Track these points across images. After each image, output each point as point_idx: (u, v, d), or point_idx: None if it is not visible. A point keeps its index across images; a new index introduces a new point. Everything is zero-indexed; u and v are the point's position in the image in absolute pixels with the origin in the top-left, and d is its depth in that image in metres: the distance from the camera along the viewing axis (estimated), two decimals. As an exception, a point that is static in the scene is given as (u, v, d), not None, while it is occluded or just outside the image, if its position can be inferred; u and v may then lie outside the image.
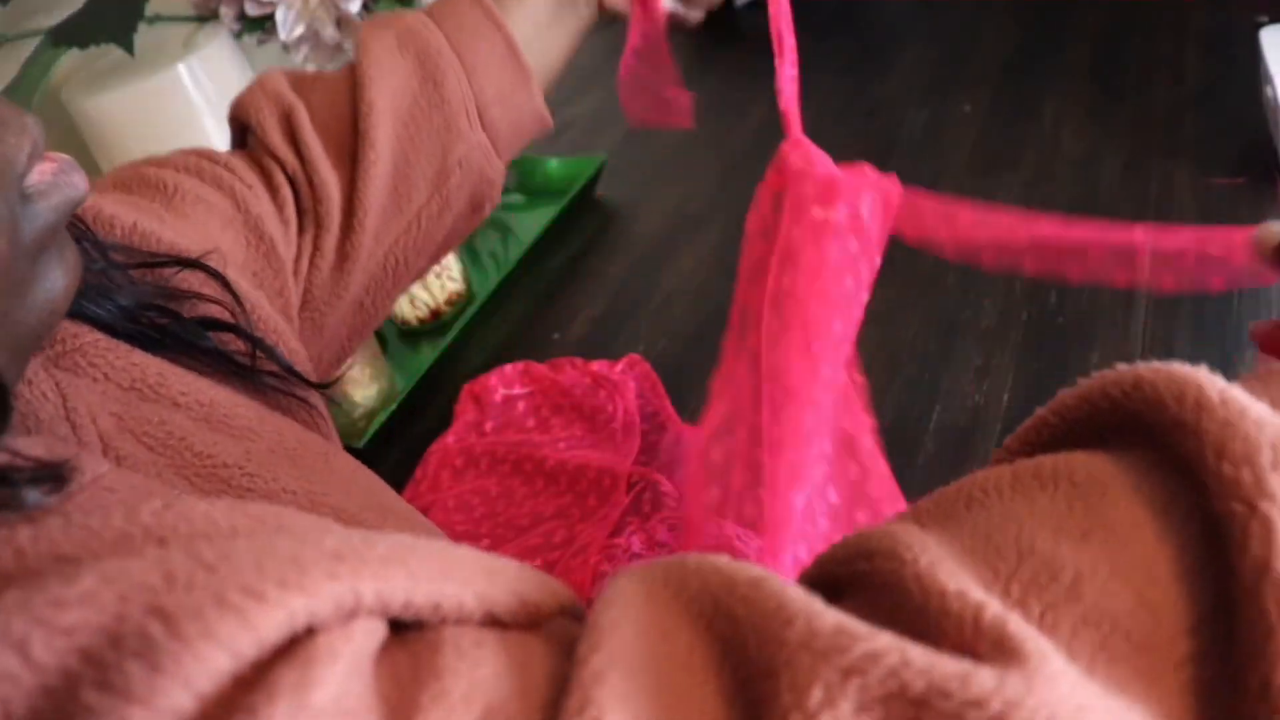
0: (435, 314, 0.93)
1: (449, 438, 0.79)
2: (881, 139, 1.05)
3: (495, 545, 0.69)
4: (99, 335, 0.42)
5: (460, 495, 0.74)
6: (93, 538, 0.24)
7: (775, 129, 1.08)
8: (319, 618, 0.22)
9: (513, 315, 0.95)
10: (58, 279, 0.33)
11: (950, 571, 0.24)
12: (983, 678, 0.21)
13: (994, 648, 0.22)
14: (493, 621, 0.26)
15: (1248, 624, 0.23)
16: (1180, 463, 0.26)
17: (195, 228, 0.50)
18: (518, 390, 0.81)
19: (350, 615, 0.23)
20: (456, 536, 0.70)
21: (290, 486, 0.42)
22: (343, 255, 0.56)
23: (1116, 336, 0.71)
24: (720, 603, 0.25)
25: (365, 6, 0.86)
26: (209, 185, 0.53)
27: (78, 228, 0.42)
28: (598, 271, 0.98)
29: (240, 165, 0.55)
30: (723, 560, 0.26)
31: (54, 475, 0.28)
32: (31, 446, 0.31)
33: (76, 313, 0.42)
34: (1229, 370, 0.68)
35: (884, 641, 0.22)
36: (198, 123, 0.81)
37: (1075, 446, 0.29)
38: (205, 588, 0.21)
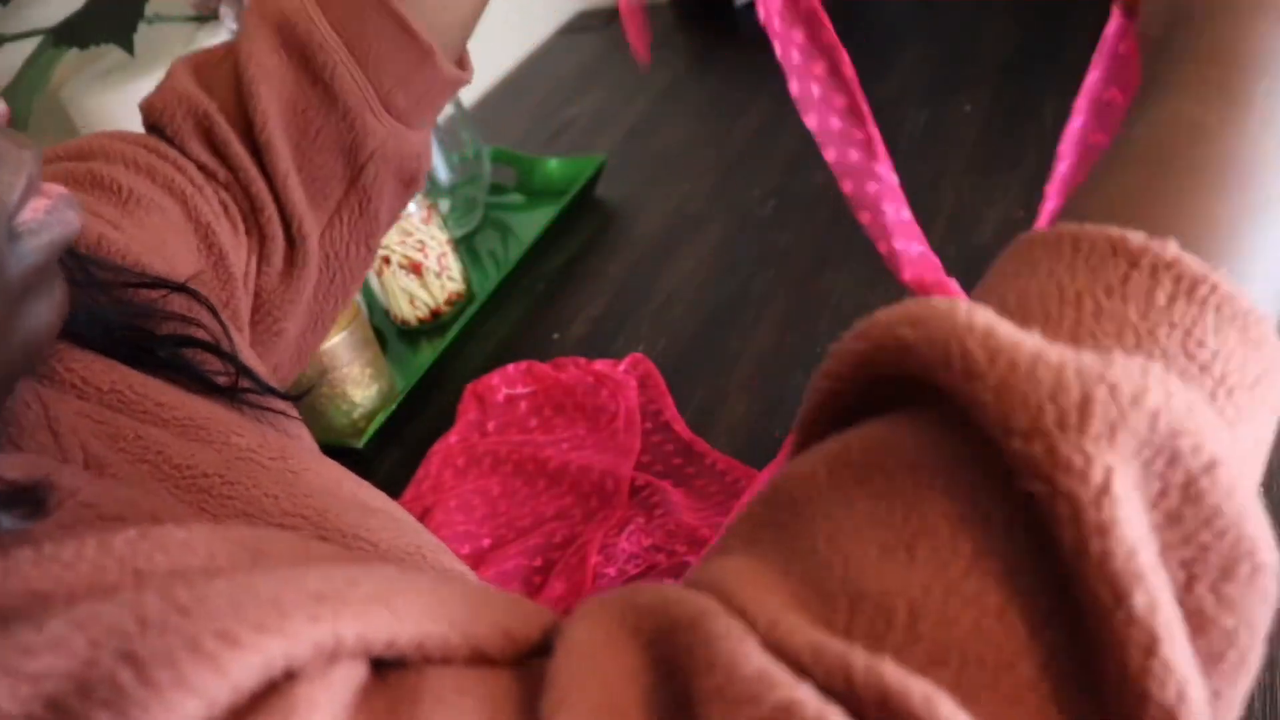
0: (435, 314, 0.93)
1: (451, 437, 0.79)
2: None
3: (496, 545, 0.70)
4: (71, 345, 0.42)
5: (462, 495, 0.74)
6: (66, 570, 0.23)
7: (775, 129, 1.08)
8: (298, 661, 0.21)
9: (513, 315, 0.95)
10: (41, 316, 0.32)
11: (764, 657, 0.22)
12: None
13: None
14: (479, 657, 0.24)
15: (1086, 611, 0.21)
16: (979, 429, 0.23)
17: (152, 236, 0.49)
18: (520, 390, 0.81)
19: (331, 658, 0.21)
20: (458, 536, 0.70)
21: (271, 491, 0.42)
22: (289, 261, 0.55)
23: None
24: (668, 645, 0.23)
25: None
26: (160, 188, 0.51)
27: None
28: (598, 271, 0.98)
29: (188, 163, 0.53)
30: (671, 594, 0.24)
31: (30, 499, 0.28)
32: (8, 468, 0.30)
33: None
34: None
35: (803, 693, 0.20)
36: (198, 123, 0.81)
37: (873, 404, 0.26)
38: (178, 631, 0.20)
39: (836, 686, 0.20)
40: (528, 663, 0.25)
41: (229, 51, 0.55)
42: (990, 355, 0.22)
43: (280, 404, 0.49)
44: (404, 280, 0.91)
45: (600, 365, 0.80)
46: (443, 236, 0.92)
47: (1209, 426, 0.22)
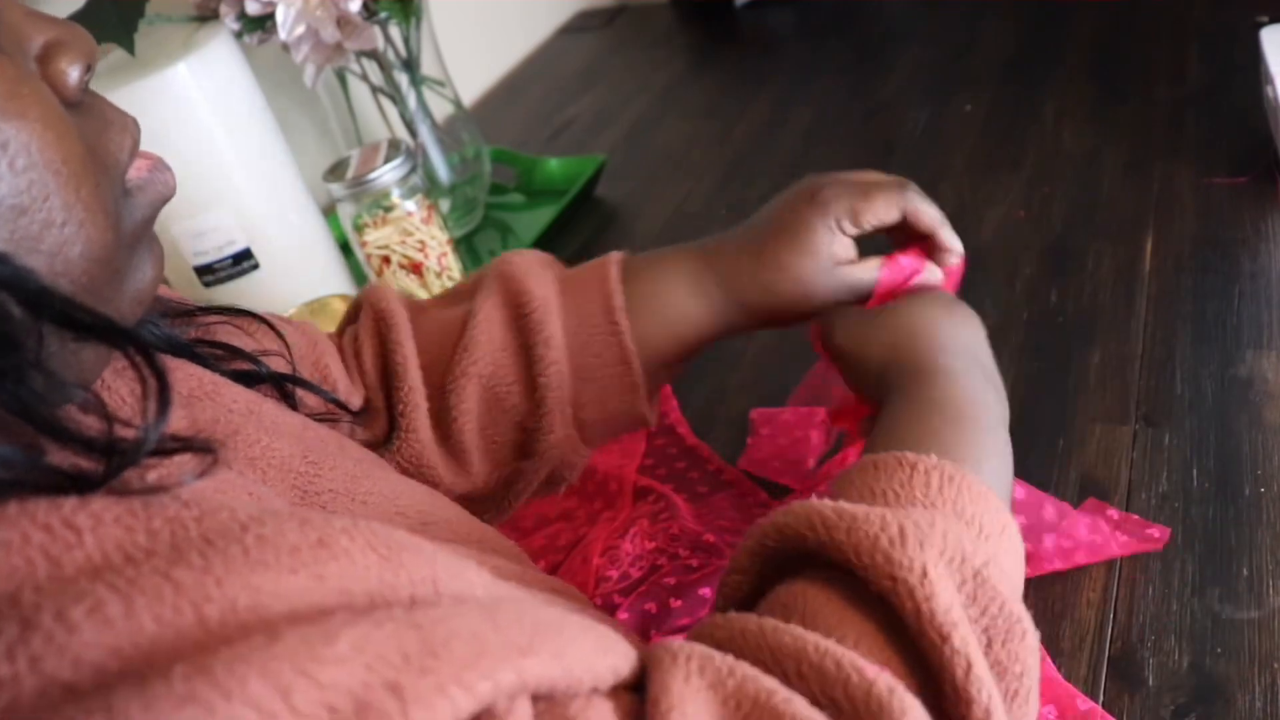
0: (436, 314, 0.93)
1: (450, 438, 0.79)
2: (881, 139, 1.05)
3: (496, 545, 0.70)
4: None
5: (461, 495, 0.74)
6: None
7: (775, 129, 1.08)
8: (496, 698, 0.27)
9: (513, 315, 0.94)
10: (147, 269, 0.35)
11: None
12: None
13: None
14: (594, 690, 0.31)
15: (927, 650, 0.34)
16: (837, 564, 0.36)
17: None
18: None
19: (515, 694, 0.28)
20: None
21: (351, 472, 0.44)
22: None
23: (1117, 336, 0.71)
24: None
25: (365, 6, 0.86)
26: (291, 326, 0.55)
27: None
28: (598, 271, 0.97)
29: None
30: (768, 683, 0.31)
31: (204, 448, 0.31)
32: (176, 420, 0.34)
33: None
34: (1228, 368, 0.68)
35: None
36: (198, 122, 0.81)
37: (764, 583, 0.39)
38: (433, 673, 0.25)
39: None
40: (619, 693, 0.32)
41: (467, 305, 0.57)
42: (837, 514, 0.36)
43: (348, 418, 0.54)
44: (404, 280, 0.91)
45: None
46: (443, 236, 0.92)
47: (978, 543, 0.37)
